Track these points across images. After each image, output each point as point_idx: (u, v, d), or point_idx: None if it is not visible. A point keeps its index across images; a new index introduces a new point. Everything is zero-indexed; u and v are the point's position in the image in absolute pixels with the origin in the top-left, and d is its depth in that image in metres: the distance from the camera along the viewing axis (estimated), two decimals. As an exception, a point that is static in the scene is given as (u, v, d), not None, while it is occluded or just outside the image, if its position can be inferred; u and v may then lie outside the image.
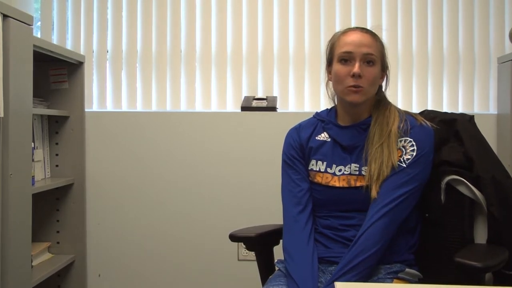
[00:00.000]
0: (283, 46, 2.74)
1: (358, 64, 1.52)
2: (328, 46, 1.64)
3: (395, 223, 1.48)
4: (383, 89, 1.65)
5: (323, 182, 1.58)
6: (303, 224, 1.56)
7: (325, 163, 1.60)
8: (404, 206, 1.49)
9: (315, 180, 1.61)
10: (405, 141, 1.53)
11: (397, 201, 1.47)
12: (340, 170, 1.57)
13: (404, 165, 1.50)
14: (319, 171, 1.60)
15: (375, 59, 1.55)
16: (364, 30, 1.59)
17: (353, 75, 1.52)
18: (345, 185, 1.55)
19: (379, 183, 1.49)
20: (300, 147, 1.66)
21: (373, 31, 1.61)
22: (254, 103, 2.64)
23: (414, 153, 1.51)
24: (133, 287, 2.69)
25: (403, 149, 1.52)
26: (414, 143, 1.52)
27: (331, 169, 1.58)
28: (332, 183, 1.57)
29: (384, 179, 1.49)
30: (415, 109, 2.64)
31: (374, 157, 1.51)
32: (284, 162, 1.68)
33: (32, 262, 2.18)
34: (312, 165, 1.63)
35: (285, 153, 1.69)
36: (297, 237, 1.55)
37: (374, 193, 1.48)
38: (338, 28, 2.67)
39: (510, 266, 1.43)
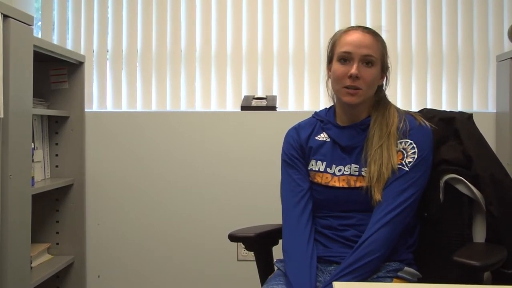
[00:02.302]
0: (283, 45, 2.74)
1: (356, 65, 1.51)
2: (330, 43, 1.63)
3: (400, 228, 1.49)
4: (383, 89, 1.64)
5: (323, 182, 1.58)
6: (304, 225, 1.55)
7: (324, 163, 1.60)
8: (408, 211, 1.49)
9: (315, 180, 1.60)
10: (405, 143, 1.53)
11: (402, 206, 1.47)
12: (339, 170, 1.57)
13: (407, 169, 1.50)
14: (319, 171, 1.60)
15: (375, 60, 1.54)
16: (366, 30, 1.58)
17: (350, 76, 1.51)
18: (345, 185, 1.55)
19: (380, 186, 1.49)
20: (300, 147, 1.65)
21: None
22: (254, 103, 2.65)
23: (416, 156, 1.51)
24: (132, 287, 2.69)
25: (404, 152, 1.52)
26: (414, 145, 1.52)
27: (330, 169, 1.58)
28: (332, 183, 1.57)
29: (386, 183, 1.49)
30: (414, 107, 2.63)
31: (373, 159, 1.51)
32: (284, 162, 1.67)
33: (31, 263, 2.18)
34: (312, 165, 1.62)
35: (285, 153, 1.67)
36: (297, 239, 1.54)
37: (378, 197, 1.48)
38: (337, 27, 2.67)
39: (509, 265, 1.43)
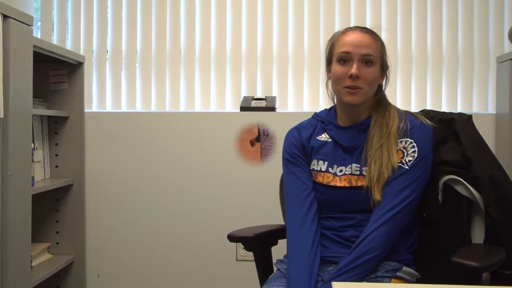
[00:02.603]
0: (282, 46, 2.74)
1: (356, 65, 1.51)
2: (328, 45, 1.64)
3: (399, 227, 1.49)
4: (383, 89, 1.64)
5: (324, 182, 1.58)
6: (309, 225, 1.54)
7: (326, 163, 1.60)
8: (408, 209, 1.50)
9: (317, 180, 1.60)
10: (405, 142, 1.53)
11: (402, 204, 1.47)
12: (341, 171, 1.57)
13: (407, 167, 1.50)
14: (320, 170, 1.60)
15: (374, 59, 1.54)
16: (364, 30, 1.58)
17: (351, 76, 1.51)
18: (346, 184, 1.55)
19: (380, 185, 1.49)
20: (302, 146, 1.65)
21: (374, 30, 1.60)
22: (253, 103, 2.65)
23: (416, 154, 1.51)
24: (132, 287, 2.69)
25: (404, 151, 1.52)
26: (414, 144, 1.52)
27: (332, 169, 1.58)
28: (333, 183, 1.57)
29: (386, 181, 1.49)
30: (414, 108, 2.63)
31: (373, 159, 1.51)
32: (286, 161, 1.66)
33: (31, 262, 2.18)
34: (314, 164, 1.62)
35: (287, 152, 1.67)
36: (301, 238, 1.53)
37: (377, 196, 1.48)
38: (337, 28, 2.67)
39: (507, 266, 1.44)
